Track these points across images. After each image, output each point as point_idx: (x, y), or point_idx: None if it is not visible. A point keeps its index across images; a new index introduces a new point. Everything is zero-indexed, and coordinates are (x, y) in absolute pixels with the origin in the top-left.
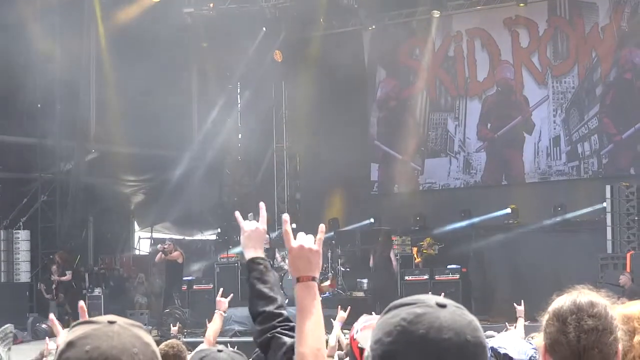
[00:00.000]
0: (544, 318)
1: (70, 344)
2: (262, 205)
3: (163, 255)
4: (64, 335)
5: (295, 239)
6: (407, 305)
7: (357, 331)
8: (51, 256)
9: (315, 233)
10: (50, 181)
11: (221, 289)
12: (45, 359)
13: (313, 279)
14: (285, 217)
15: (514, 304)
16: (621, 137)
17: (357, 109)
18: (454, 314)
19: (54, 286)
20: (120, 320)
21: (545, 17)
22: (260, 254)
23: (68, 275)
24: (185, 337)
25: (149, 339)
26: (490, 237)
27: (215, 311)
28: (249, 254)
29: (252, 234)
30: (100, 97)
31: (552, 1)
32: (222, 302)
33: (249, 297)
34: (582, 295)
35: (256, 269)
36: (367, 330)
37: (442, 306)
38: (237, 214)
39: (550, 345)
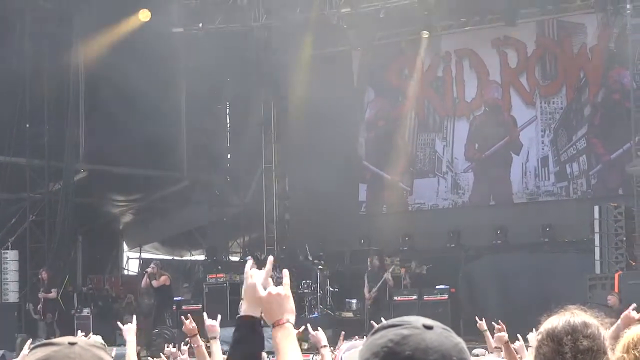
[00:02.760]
0: (536, 339)
1: None
2: (270, 259)
3: (149, 280)
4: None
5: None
6: (395, 326)
7: (340, 358)
8: (39, 276)
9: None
10: (39, 201)
11: (205, 313)
12: None
13: (288, 321)
14: (270, 259)
15: (495, 330)
16: (610, 158)
17: (346, 129)
18: (440, 335)
19: (39, 306)
20: (80, 341)
21: (534, 37)
22: (256, 314)
23: (53, 293)
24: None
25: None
26: (479, 258)
27: (211, 340)
28: (243, 310)
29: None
30: (89, 117)
31: (540, 22)
32: (214, 326)
33: (229, 347)
34: (574, 316)
35: (245, 325)
36: (354, 351)
37: (429, 328)
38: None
39: None
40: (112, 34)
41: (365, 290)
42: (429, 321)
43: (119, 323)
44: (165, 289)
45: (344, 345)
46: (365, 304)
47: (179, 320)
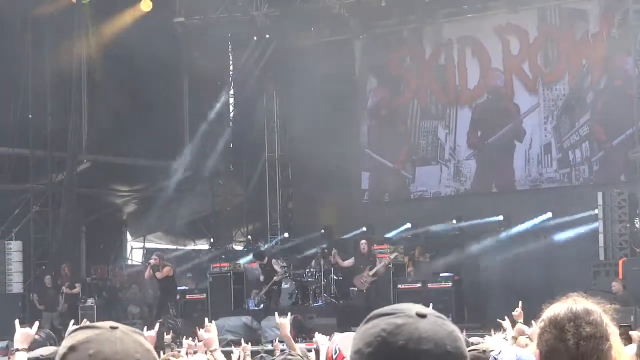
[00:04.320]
0: (538, 326)
1: (72, 348)
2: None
3: (152, 272)
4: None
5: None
6: (387, 315)
7: (335, 351)
8: (43, 268)
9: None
10: (43, 192)
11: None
12: None
13: None
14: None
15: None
16: (612, 144)
17: (348, 117)
18: (434, 324)
19: (61, 298)
20: (122, 326)
21: (536, 24)
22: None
23: (77, 288)
24: (178, 346)
25: (149, 346)
26: (483, 245)
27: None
28: None
29: None
30: (92, 108)
31: (542, 9)
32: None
33: None
34: (577, 302)
35: None
36: (348, 339)
37: (422, 316)
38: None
39: (547, 352)
40: (114, 24)
41: (340, 259)
42: (422, 309)
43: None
44: (169, 280)
45: (335, 337)
46: (357, 284)
47: (183, 310)
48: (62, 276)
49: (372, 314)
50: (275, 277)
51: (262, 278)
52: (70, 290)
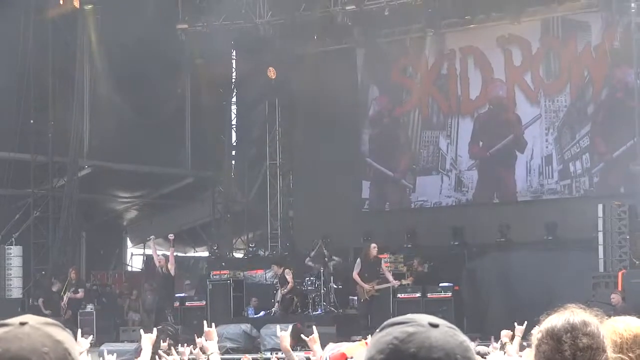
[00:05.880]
0: (536, 337)
1: None
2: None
3: (165, 260)
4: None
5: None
6: (400, 324)
7: (326, 359)
8: (43, 273)
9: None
10: (43, 197)
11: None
12: None
13: None
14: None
15: (515, 323)
16: (612, 156)
17: (350, 126)
18: (445, 334)
19: (64, 303)
20: (33, 320)
21: (538, 36)
22: None
23: (81, 293)
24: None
25: (62, 336)
26: (483, 256)
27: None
28: None
29: None
30: (94, 114)
31: (545, 20)
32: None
33: None
34: (574, 314)
35: None
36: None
37: (434, 326)
38: None
39: None
40: (117, 31)
41: (355, 273)
42: (435, 319)
43: (141, 331)
44: (168, 283)
45: (329, 345)
46: (359, 292)
47: (182, 317)
48: (68, 280)
49: (385, 322)
50: (284, 290)
51: (278, 286)
52: (75, 295)
